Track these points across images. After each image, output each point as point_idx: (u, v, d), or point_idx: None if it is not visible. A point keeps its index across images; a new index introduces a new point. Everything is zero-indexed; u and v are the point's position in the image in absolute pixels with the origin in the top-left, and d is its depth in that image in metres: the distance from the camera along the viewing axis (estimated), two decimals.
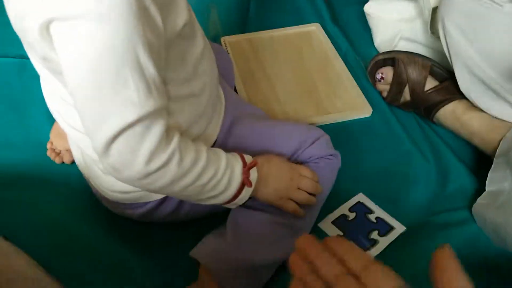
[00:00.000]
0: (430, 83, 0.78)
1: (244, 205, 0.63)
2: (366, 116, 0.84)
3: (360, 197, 0.71)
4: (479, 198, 0.66)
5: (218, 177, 0.50)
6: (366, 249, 0.65)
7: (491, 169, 0.67)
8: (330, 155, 0.66)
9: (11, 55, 0.91)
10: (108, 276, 0.61)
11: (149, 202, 0.59)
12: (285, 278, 0.60)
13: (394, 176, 0.75)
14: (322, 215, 0.67)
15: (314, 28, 1.01)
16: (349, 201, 0.71)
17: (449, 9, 0.70)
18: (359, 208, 0.70)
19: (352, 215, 0.69)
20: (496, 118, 0.71)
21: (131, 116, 0.41)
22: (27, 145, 0.78)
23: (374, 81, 0.86)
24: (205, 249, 0.58)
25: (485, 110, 0.72)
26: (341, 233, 0.67)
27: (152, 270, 0.63)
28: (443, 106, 0.76)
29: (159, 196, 0.59)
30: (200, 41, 0.53)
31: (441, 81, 0.78)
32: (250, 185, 0.54)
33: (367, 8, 0.95)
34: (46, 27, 0.39)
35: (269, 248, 0.58)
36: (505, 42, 0.66)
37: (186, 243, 0.60)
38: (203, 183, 0.49)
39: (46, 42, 0.41)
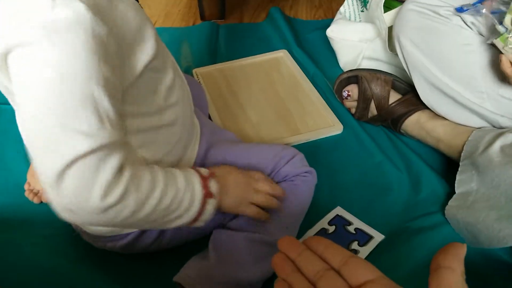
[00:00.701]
0: (394, 97, 0.82)
1: (224, 226, 0.64)
2: (338, 133, 0.88)
3: (338, 210, 0.73)
4: (450, 200, 0.69)
5: (180, 196, 0.49)
6: None
7: (458, 172, 0.70)
8: (306, 172, 0.68)
9: None
10: None
11: (130, 233, 0.60)
12: None
13: (369, 187, 0.77)
14: (302, 231, 0.69)
15: (282, 55, 1.06)
16: (328, 215, 0.72)
17: (402, 26, 0.75)
18: (338, 221, 0.72)
19: (331, 228, 0.71)
20: (458, 124, 0.75)
21: (82, 147, 0.40)
22: (5, 187, 0.78)
23: (341, 99, 0.90)
24: (189, 272, 0.58)
25: (446, 118, 0.76)
26: None
27: None
28: (408, 117, 0.80)
29: (131, 229, 0.59)
30: (169, 72, 0.55)
31: (403, 94, 0.82)
32: (212, 196, 0.52)
33: (329, 32, 1.00)
34: (4, 57, 0.40)
35: (252, 267, 0.59)
36: (457, 52, 0.70)
37: (170, 270, 0.60)
38: (166, 205, 0.47)
39: (4, 73, 0.42)
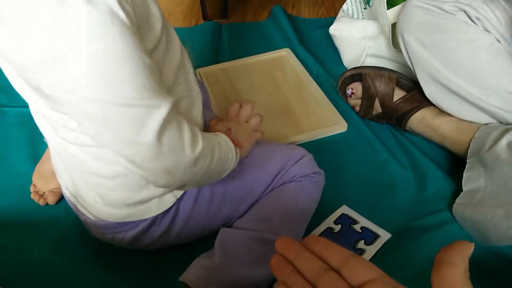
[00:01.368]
0: (398, 94, 0.81)
1: (230, 226, 0.64)
2: (342, 131, 0.87)
3: (344, 209, 0.73)
4: (457, 198, 0.69)
5: (224, 148, 0.55)
6: None
7: (465, 170, 0.69)
8: (314, 173, 0.68)
9: None
10: None
11: (141, 222, 0.59)
12: None
13: (375, 185, 0.77)
14: (308, 230, 0.68)
15: (285, 53, 1.06)
16: (334, 213, 0.72)
17: (406, 22, 0.74)
18: (344, 219, 0.71)
19: (337, 227, 0.70)
20: (464, 120, 0.75)
21: (163, 111, 0.43)
22: (11, 190, 0.78)
23: (345, 97, 0.89)
24: (194, 272, 0.58)
25: (452, 114, 0.75)
26: None
27: None
28: (413, 114, 0.79)
29: (151, 214, 0.59)
30: (176, 54, 0.54)
31: (408, 91, 0.81)
32: (239, 145, 0.60)
33: (332, 30, 1.00)
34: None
35: (257, 266, 0.59)
36: (462, 48, 0.70)
37: (176, 269, 0.60)
38: (225, 153, 0.54)
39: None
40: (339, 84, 0.89)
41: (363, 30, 0.94)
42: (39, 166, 0.79)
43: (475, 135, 0.70)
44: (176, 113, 0.46)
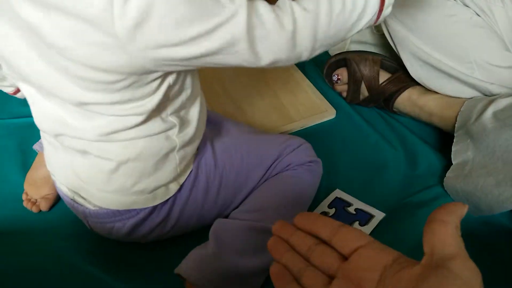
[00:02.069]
0: (383, 76, 0.82)
1: (226, 216, 0.64)
2: (331, 118, 0.88)
3: (337, 193, 0.73)
4: (448, 172, 0.69)
5: None
6: None
7: (453, 143, 0.70)
8: (310, 162, 0.68)
9: None
10: None
11: (141, 210, 0.59)
12: None
13: (366, 167, 0.77)
14: None
15: None
16: (327, 198, 0.72)
17: None
18: (338, 203, 0.71)
19: (331, 211, 0.70)
20: (450, 96, 0.75)
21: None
22: (3, 199, 0.78)
23: (332, 83, 0.90)
24: (188, 263, 0.58)
25: (438, 91, 0.76)
26: None
27: None
28: (399, 95, 0.80)
29: (151, 204, 0.59)
30: None
31: (393, 73, 0.82)
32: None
33: None
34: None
35: (253, 255, 0.59)
36: (442, 24, 0.71)
37: (173, 263, 0.60)
38: (339, 10, 0.46)
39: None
40: (324, 71, 0.89)
41: None
42: (30, 174, 0.78)
43: (461, 109, 0.70)
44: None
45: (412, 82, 0.79)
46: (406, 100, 0.80)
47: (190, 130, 0.57)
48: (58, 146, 0.57)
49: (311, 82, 0.94)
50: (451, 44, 0.71)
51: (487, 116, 0.63)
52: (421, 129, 0.82)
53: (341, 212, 0.70)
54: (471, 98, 0.72)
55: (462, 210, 0.30)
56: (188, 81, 0.54)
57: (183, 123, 0.56)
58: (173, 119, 0.54)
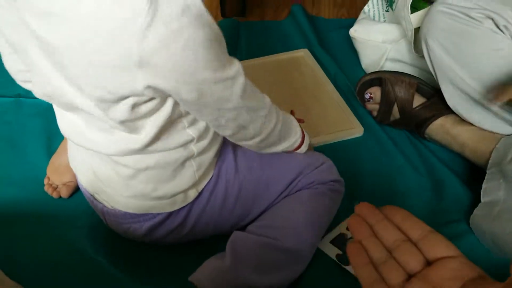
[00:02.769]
0: (418, 100, 0.80)
1: (245, 229, 0.63)
2: (358, 136, 0.86)
3: None
4: (475, 209, 0.67)
5: (287, 118, 0.60)
6: None
7: (485, 180, 0.68)
8: (333, 181, 0.67)
9: (8, 95, 0.93)
10: None
11: (159, 214, 0.59)
12: None
13: (390, 191, 0.76)
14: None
15: (303, 54, 1.04)
16: (347, 219, 0.71)
17: (431, 28, 0.72)
18: None
19: (350, 233, 0.69)
20: (485, 130, 0.73)
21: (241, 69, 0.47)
22: (26, 181, 0.79)
23: (363, 101, 0.88)
24: (204, 273, 0.58)
25: (474, 124, 0.74)
26: (340, 252, 0.67)
27: None
28: (433, 121, 0.78)
29: (170, 209, 0.59)
30: None
31: (428, 98, 0.80)
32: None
33: (352, 32, 0.98)
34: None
35: (268, 273, 0.58)
36: (488, 56, 0.68)
37: (186, 267, 0.60)
38: (285, 120, 0.58)
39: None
40: (357, 88, 0.87)
41: (384, 33, 0.92)
42: (53, 159, 0.79)
43: (496, 146, 0.68)
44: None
45: (447, 110, 0.77)
46: (439, 127, 0.78)
47: (207, 139, 0.57)
48: (80, 147, 0.57)
49: (342, 97, 0.92)
50: (493, 77, 0.68)
51: None
52: (451, 159, 0.80)
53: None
54: (509, 135, 0.69)
55: None
56: None
57: (200, 134, 0.55)
58: (191, 132, 0.54)
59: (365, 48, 0.98)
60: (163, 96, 0.47)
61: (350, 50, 1.04)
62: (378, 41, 0.94)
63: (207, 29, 0.41)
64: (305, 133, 0.65)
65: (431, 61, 0.75)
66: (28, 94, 0.92)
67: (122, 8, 0.38)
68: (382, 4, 0.98)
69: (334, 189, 0.66)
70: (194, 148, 0.56)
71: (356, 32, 0.97)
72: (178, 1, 0.39)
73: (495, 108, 0.69)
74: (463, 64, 0.70)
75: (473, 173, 0.76)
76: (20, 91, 0.95)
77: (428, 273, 0.32)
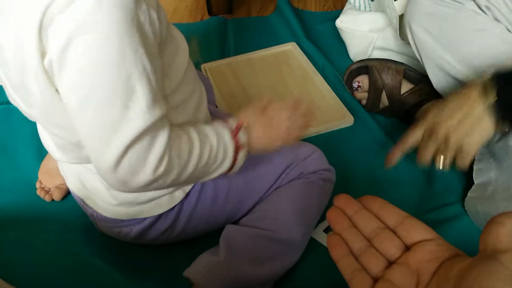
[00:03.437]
0: (406, 87, 0.80)
1: (237, 223, 0.63)
2: (349, 125, 0.86)
3: None
4: (469, 191, 0.67)
5: (214, 152, 0.50)
6: None
7: (475, 161, 0.68)
8: (323, 170, 0.67)
9: None
10: None
11: (147, 217, 0.59)
12: None
13: (382, 179, 0.76)
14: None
15: (291, 47, 1.04)
16: None
17: (414, 13, 0.73)
18: None
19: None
20: None
21: (140, 127, 0.41)
22: (18, 186, 0.79)
23: (352, 90, 0.88)
24: (198, 268, 0.57)
25: None
26: None
27: None
28: (421, 106, 0.78)
29: (157, 212, 0.59)
30: (183, 55, 0.54)
31: (416, 84, 0.80)
32: (242, 148, 0.53)
33: (338, 22, 0.98)
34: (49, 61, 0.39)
35: (263, 264, 0.58)
36: (471, 38, 0.68)
37: (180, 264, 0.60)
38: (204, 162, 0.49)
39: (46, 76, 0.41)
40: (345, 77, 0.87)
41: (370, 23, 0.92)
42: (45, 163, 0.79)
43: None
44: (159, 128, 0.43)
45: (435, 95, 0.77)
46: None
47: None
48: None
49: (331, 87, 0.92)
50: (479, 58, 0.68)
51: (511, 136, 0.61)
52: None
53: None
54: None
55: None
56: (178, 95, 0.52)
57: None
58: None
59: (352, 38, 0.98)
60: None
61: (338, 41, 1.05)
62: (364, 30, 0.94)
63: None
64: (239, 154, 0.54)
65: (416, 46, 0.75)
66: None
67: None
68: None
69: (324, 178, 0.66)
70: None
71: (342, 22, 0.98)
72: None
73: None
74: (448, 47, 0.70)
75: None
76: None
77: (407, 258, 0.33)
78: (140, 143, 0.42)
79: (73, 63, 0.38)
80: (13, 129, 0.89)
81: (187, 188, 0.60)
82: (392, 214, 0.35)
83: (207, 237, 0.65)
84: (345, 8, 1.01)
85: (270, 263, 0.59)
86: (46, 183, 0.77)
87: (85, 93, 0.40)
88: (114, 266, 0.66)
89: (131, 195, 0.56)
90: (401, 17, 0.83)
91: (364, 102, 0.87)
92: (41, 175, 0.78)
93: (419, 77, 0.80)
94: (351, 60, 1.00)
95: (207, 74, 0.98)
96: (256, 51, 1.04)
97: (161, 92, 0.44)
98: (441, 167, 0.61)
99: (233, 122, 0.53)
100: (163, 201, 0.58)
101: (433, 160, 0.62)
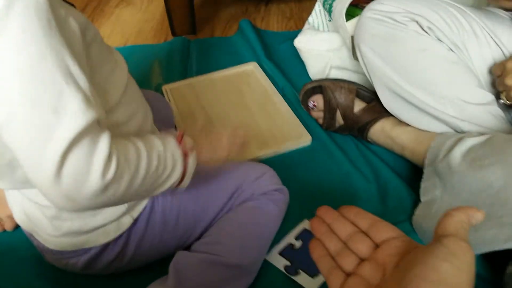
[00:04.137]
0: (358, 105, 0.81)
1: (188, 249, 0.62)
2: (307, 145, 0.87)
3: (306, 224, 0.72)
4: (416, 209, 0.68)
5: (163, 157, 0.49)
6: (316, 274, 0.64)
7: (422, 180, 0.69)
8: (275, 190, 0.67)
9: None
10: None
11: (92, 248, 0.58)
12: None
13: (338, 198, 0.76)
14: (269, 247, 0.67)
15: (252, 67, 1.05)
16: (295, 229, 0.71)
17: (362, 34, 0.74)
18: (305, 235, 0.70)
19: (298, 243, 0.69)
20: (421, 130, 0.74)
21: (75, 129, 0.39)
22: None
23: (308, 110, 0.89)
24: None
25: (410, 124, 0.75)
26: (289, 263, 0.66)
27: None
28: (373, 125, 0.79)
29: (104, 240, 0.58)
30: (120, 71, 0.53)
31: (368, 102, 0.81)
32: (190, 152, 0.52)
33: (296, 42, 1.00)
34: None
35: None
36: (415, 58, 0.70)
37: None
38: (154, 168, 0.47)
39: None
40: (301, 97, 0.88)
41: (327, 42, 0.94)
42: None
43: (431, 145, 0.69)
44: (98, 131, 0.41)
45: (386, 113, 0.78)
46: (379, 131, 0.79)
47: None
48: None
49: (290, 107, 0.93)
50: (423, 78, 0.70)
51: (453, 155, 0.62)
52: (395, 161, 0.81)
53: (308, 244, 0.68)
54: (441, 133, 0.71)
55: (475, 214, 0.34)
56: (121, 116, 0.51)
57: None
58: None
59: (310, 58, 0.99)
60: None
61: (298, 61, 1.06)
62: (321, 50, 0.95)
63: None
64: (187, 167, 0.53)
65: (365, 66, 0.76)
66: None
67: None
68: (325, 14, 1.00)
69: (276, 198, 0.66)
70: None
71: (300, 42, 0.99)
72: None
73: (426, 107, 0.70)
74: (394, 66, 0.71)
75: (416, 174, 0.77)
76: None
77: (376, 254, 0.37)
78: (80, 147, 0.39)
79: None
80: None
81: (135, 213, 0.59)
82: (366, 219, 0.41)
83: (163, 263, 0.64)
84: (304, 28, 1.03)
85: None
86: None
87: (10, 100, 0.38)
88: None
89: (75, 225, 0.55)
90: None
91: (321, 121, 0.87)
92: None
93: (371, 95, 0.81)
94: (311, 79, 1.02)
95: (168, 96, 0.98)
96: (218, 71, 1.05)
97: (93, 94, 0.42)
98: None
99: (175, 132, 0.54)
100: (110, 229, 0.57)
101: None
